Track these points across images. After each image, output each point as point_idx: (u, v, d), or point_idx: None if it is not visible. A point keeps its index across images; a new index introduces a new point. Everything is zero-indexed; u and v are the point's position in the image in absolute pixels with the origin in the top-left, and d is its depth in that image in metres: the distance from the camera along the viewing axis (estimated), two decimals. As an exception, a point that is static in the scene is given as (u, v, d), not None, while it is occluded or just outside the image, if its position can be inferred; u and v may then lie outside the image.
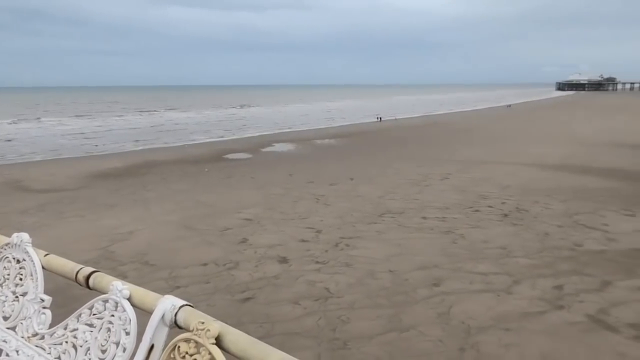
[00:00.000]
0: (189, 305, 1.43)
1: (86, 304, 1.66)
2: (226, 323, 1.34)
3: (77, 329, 1.67)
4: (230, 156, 20.71)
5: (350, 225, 9.67)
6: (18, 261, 2.01)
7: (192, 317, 1.38)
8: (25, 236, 2.03)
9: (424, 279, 6.95)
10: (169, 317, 1.41)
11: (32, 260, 1.96)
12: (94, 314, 1.65)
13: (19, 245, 2.02)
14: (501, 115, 47.22)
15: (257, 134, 31.14)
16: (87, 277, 1.74)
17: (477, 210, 10.63)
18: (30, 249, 1.99)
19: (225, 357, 1.27)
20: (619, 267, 7.33)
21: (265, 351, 1.23)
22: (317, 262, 7.66)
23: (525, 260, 7.63)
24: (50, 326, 1.79)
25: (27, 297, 1.91)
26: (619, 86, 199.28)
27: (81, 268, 1.80)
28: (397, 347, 5.18)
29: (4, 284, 2.02)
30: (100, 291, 1.68)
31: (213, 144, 25.83)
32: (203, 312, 1.40)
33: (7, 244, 2.08)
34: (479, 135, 28.10)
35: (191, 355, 1.31)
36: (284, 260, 7.80)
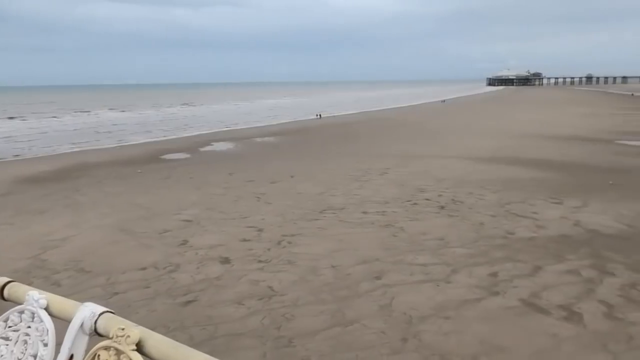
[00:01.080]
0: (110, 312, 1.38)
1: (1, 316, 1.57)
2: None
3: None
4: (168, 156, 20.23)
5: (291, 222, 9.68)
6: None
7: (112, 323, 1.33)
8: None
9: (365, 273, 7.05)
10: (88, 325, 1.36)
11: None
12: (9, 327, 1.55)
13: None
14: (436, 110, 48.54)
15: (196, 133, 30.57)
16: (2, 288, 1.63)
17: (415, 204, 10.89)
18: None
19: None
20: (548, 253, 7.71)
21: (188, 354, 1.20)
22: (260, 261, 7.62)
23: (462, 250, 7.89)
24: None
25: None
26: (545, 81, 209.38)
27: None
28: (341, 341, 5.24)
29: None
30: (16, 302, 1.59)
31: (150, 145, 25.15)
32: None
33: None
34: (416, 130, 28.77)
35: None
36: (226, 260, 7.71)
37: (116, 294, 6.57)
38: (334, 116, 43.19)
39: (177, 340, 1.25)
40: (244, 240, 8.67)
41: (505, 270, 7.03)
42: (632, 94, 77.60)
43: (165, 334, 1.29)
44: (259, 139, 26.18)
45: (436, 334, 5.35)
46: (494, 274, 6.91)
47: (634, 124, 30.10)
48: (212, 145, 24.20)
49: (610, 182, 12.71)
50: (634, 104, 52.94)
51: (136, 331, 1.27)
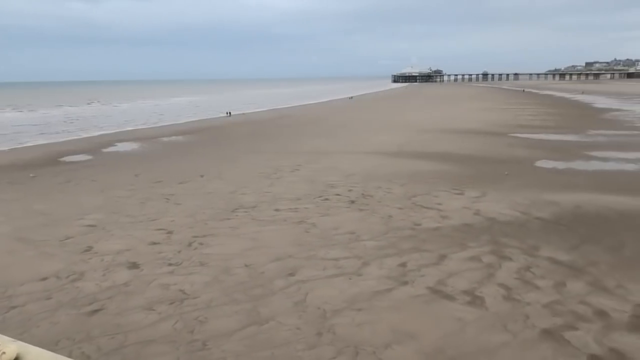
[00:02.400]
0: None
1: None
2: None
3: None
4: (67, 159, 19.09)
5: (202, 223, 9.48)
6: None
7: None
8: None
9: (279, 270, 7.06)
10: None
11: None
12: None
13: None
14: (344, 107, 49.48)
15: (99, 134, 29.05)
16: None
17: (326, 199, 11.04)
18: None
19: None
20: (453, 241, 8.11)
21: None
22: (170, 264, 7.41)
23: (372, 243, 8.11)
24: None
25: None
26: (445, 78, 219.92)
27: None
28: (257, 340, 5.22)
29: None
30: None
31: (49, 146, 23.57)
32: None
33: None
34: (325, 126, 29.17)
35: None
36: (134, 265, 7.41)
37: (13, 307, 6.11)
38: (244, 114, 42.80)
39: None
40: (153, 243, 8.37)
41: (413, 260, 7.31)
42: (524, 90, 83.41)
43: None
44: (166, 139, 25.39)
45: (350, 326, 5.46)
46: (403, 264, 7.17)
47: (525, 117, 32.39)
48: (116, 145, 23.15)
49: (506, 173, 13.60)
50: (525, 99, 56.91)
51: (13, 347, 1.19)
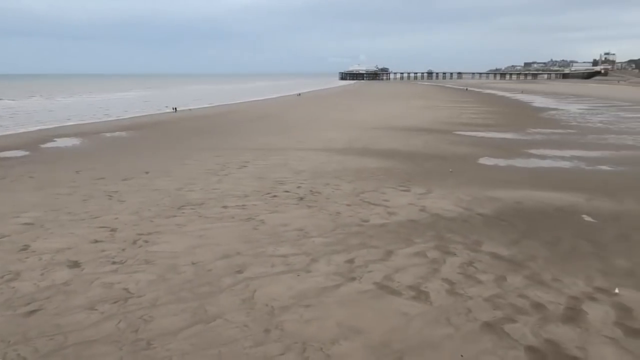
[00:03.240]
0: None
1: None
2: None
3: None
4: (2, 154, 18.20)
5: (148, 220, 9.27)
6: None
7: None
8: None
9: (227, 268, 7.00)
10: None
11: None
12: None
13: None
14: (293, 104, 49.45)
15: (35, 129, 27.81)
16: None
17: (275, 196, 11.02)
18: None
19: None
20: (399, 237, 8.27)
21: None
22: (114, 263, 7.21)
23: (320, 239, 8.16)
24: None
25: None
26: (392, 76, 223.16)
27: None
28: (203, 338, 5.16)
29: None
30: None
31: (-21, 141, 22.39)
32: None
33: None
34: (273, 123, 29.06)
35: None
36: (75, 264, 7.16)
37: (-58, 311, 5.79)
38: (191, 110, 42.02)
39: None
40: (95, 241, 8.12)
41: (360, 256, 7.41)
42: (467, 89, 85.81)
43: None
44: (109, 134, 24.62)
45: (297, 322, 5.49)
46: (351, 261, 7.25)
47: (468, 115, 33.35)
48: (55, 141, 22.24)
49: (450, 170, 13.97)
50: (468, 98, 58.56)
51: None
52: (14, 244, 8.04)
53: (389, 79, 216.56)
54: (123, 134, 24.74)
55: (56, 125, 29.32)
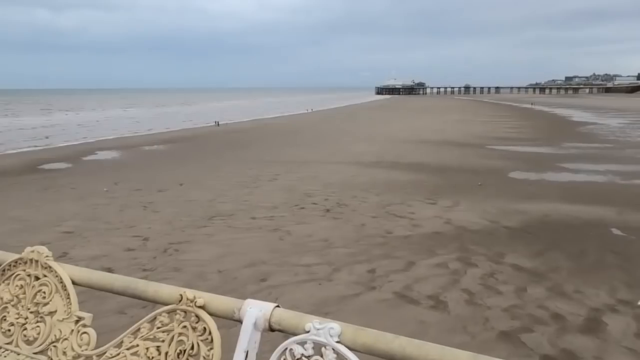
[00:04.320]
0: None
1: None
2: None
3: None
4: (46, 166, 19.06)
5: (179, 230, 9.63)
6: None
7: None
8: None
9: (252, 276, 7.24)
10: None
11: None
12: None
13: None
14: (326, 117, 49.84)
15: (79, 142, 28.95)
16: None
17: (302, 208, 11.26)
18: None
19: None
20: (422, 248, 8.37)
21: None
22: (145, 270, 7.55)
23: (344, 250, 8.34)
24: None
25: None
26: (428, 90, 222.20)
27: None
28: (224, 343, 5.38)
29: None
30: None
31: (27, 154, 23.48)
32: None
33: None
34: (306, 136, 29.44)
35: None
36: (108, 271, 7.49)
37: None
38: (228, 124, 42.89)
39: None
40: (129, 249, 8.50)
41: (382, 267, 7.54)
42: (532, 104, 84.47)
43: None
44: (147, 147, 25.43)
45: (316, 328, 5.65)
46: (372, 271, 7.40)
47: (502, 130, 33.01)
48: (96, 154, 23.14)
49: (479, 184, 13.95)
50: (505, 112, 57.88)
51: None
52: (54, 251, 8.31)
53: (426, 93, 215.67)
54: (161, 147, 25.51)
55: (98, 139, 30.43)
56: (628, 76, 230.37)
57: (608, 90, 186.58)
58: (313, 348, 1.30)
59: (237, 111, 66.99)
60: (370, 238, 8.97)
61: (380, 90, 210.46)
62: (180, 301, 1.51)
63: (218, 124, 40.86)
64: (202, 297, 1.50)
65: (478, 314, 6.02)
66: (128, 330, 1.57)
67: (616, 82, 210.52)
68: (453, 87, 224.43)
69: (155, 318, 1.54)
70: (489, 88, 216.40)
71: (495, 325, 5.72)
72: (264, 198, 12.32)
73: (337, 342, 1.28)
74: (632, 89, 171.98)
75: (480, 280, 7.04)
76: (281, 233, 9.35)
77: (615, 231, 9.35)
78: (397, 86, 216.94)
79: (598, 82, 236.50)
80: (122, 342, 1.57)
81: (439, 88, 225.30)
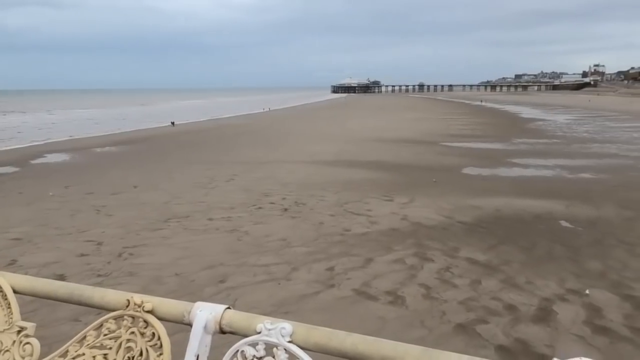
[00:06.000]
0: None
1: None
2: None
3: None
4: (-9, 171, 18.27)
5: (134, 233, 9.42)
6: None
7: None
8: None
9: (210, 278, 7.17)
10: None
11: None
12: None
13: None
14: (283, 117, 49.75)
15: (26, 145, 27.88)
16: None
17: (260, 208, 11.21)
18: None
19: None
20: (379, 245, 8.47)
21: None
22: (99, 275, 7.35)
23: (302, 249, 8.35)
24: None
25: None
26: (383, 89, 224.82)
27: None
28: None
29: None
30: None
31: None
32: None
33: None
34: (263, 136, 29.29)
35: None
36: (60, 277, 7.27)
37: None
38: (185, 124, 42.16)
39: None
40: (82, 255, 8.26)
41: (341, 264, 7.59)
42: (482, 101, 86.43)
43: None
44: (100, 149, 24.75)
45: (276, 328, 5.64)
46: (331, 269, 7.44)
47: (455, 127, 33.75)
48: (46, 157, 22.34)
49: (434, 180, 14.21)
50: (458, 110, 59.17)
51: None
52: (2, 258, 8.16)
53: (381, 91, 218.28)
54: (114, 148, 24.87)
55: (47, 141, 29.40)
56: (574, 74, 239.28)
57: (555, 87, 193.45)
58: (265, 349, 1.30)
59: (195, 111, 66.00)
60: (329, 236, 9.02)
61: (336, 89, 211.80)
62: (127, 306, 1.48)
63: (174, 124, 40.17)
64: (151, 301, 1.47)
65: (435, 307, 6.14)
66: (73, 339, 1.52)
67: (563, 80, 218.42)
68: (408, 86, 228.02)
69: (101, 325, 1.50)
70: (443, 86, 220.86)
71: (452, 318, 5.85)
72: (221, 199, 12.20)
73: (289, 341, 1.28)
74: (577, 86, 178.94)
75: (437, 274, 7.18)
76: (239, 234, 9.29)
77: (563, 223, 9.71)
78: (352, 85, 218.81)
79: (546, 79, 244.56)
80: (67, 351, 1.52)
81: (394, 86, 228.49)
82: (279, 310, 6.06)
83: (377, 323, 5.77)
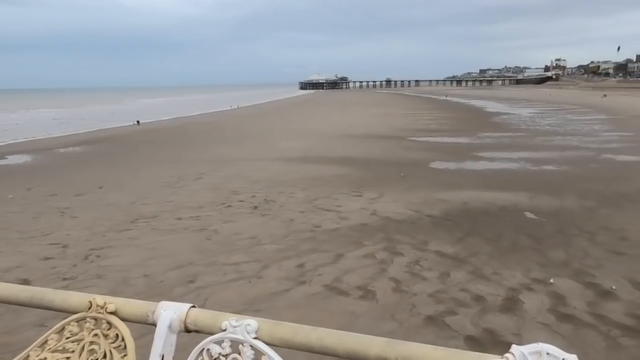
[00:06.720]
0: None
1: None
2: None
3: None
4: (-52, 175, 17.65)
5: (100, 235, 9.25)
6: None
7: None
8: None
9: (179, 278, 7.09)
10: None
11: None
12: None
13: None
14: (250, 115, 49.44)
15: (-16, 147, 26.98)
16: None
17: (229, 206, 11.13)
18: None
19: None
20: (349, 240, 8.51)
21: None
22: (65, 279, 7.19)
23: (273, 246, 8.33)
24: None
25: None
26: (351, 85, 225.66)
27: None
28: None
29: None
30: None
31: None
32: None
33: None
34: (230, 134, 29.06)
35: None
36: (24, 282, 7.10)
37: None
38: (150, 122, 41.49)
39: None
40: (46, 258, 8.07)
41: (311, 261, 7.61)
42: (446, 96, 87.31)
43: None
44: (63, 150, 24.16)
45: (247, 326, 5.62)
46: (302, 265, 7.44)
47: (423, 122, 34.13)
48: (6, 158, 21.69)
49: (402, 175, 14.35)
50: (425, 105, 59.83)
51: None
52: (-40, 264, 7.91)
53: (349, 87, 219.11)
54: (78, 149, 24.32)
55: (9, 142, 28.54)
56: (536, 68, 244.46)
57: (519, 81, 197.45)
58: (230, 346, 1.29)
59: (162, 109, 64.95)
60: (299, 233, 9.02)
61: (305, 86, 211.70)
62: (89, 308, 1.45)
63: (139, 123, 39.48)
64: (114, 302, 1.45)
65: (405, 300, 6.22)
66: (34, 343, 1.48)
67: (526, 74, 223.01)
68: (375, 81, 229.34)
69: (63, 328, 1.46)
70: (409, 81, 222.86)
71: (422, 311, 5.92)
72: (189, 198, 12.06)
73: (255, 338, 1.28)
74: (540, 80, 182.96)
75: (406, 268, 7.26)
76: (208, 232, 9.21)
77: (528, 215, 9.93)
78: (320, 81, 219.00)
79: (510, 74, 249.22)
80: (28, 356, 1.47)
81: (362, 82, 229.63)
82: (250, 309, 6.04)
83: (349, 318, 5.81)
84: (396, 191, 12.20)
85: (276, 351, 1.27)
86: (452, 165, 16.24)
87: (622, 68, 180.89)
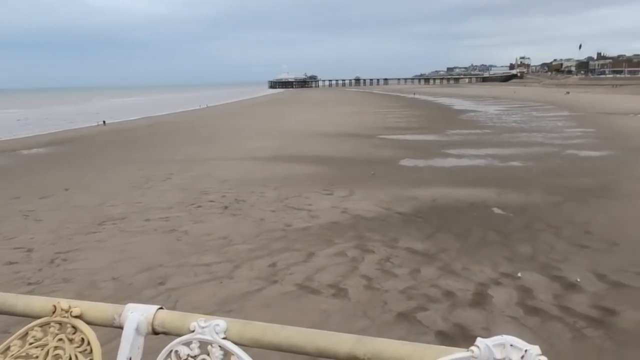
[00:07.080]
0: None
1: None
2: None
3: None
4: None
5: (66, 238, 9.04)
6: None
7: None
8: None
9: (149, 280, 6.99)
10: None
11: None
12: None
13: None
14: (219, 114, 49.07)
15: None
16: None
17: (199, 206, 11.02)
18: None
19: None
20: (321, 239, 8.53)
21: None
22: (30, 284, 7.02)
23: (244, 246, 8.28)
24: None
25: None
26: (320, 83, 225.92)
27: None
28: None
29: None
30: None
31: None
32: None
33: None
34: (199, 134, 28.75)
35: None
36: (-13, 288, 6.91)
37: None
38: (118, 122, 40.74)
39: None
40: (10, 263, 7.85)
41: (283, 260, 7.59)
42: (414, 94, 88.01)
43: None
44: (26, 151, 23.53)
45: (219, 327, 5.58)
46: (273, 265, 7.42)
47: (392, 120, 34.42)
48: (-35, 161, 21.02)
49: (372, 172, 14.45)
50: (393, 103, 60.32)
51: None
52: None
53: (318, 86, 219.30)
54: (42, 150, 23.73)
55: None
56: (502, 66, 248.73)
57: (485, 79, 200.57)
58: (199, 347, 1.27)
59: (129, 109, 63.78)
60: (270, 232, 8.99)
61: (274, 84, 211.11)
62: (54, 312, 1.41)
63: (105, 123, 38.72)
64: (79, 306, 1.41)
65: (377, 298, 6.26)
66: None
67: (492, 72, 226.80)
68: (344, 80, 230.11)
69: (26, 333, 1.42)
70: (378, 80, 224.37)
71: (393, 308, 5.97)
72: (157, 199, 11.89)
73: (224, 338, 1.26)
74: (505, 78, 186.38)
75: (377, 265, 7.31)
76: (178, 233, 9.10)
77: (496, 210, 10.12)
78: (290, 80, 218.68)
79: (476, 72, 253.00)
80: None
81: (331, 81, 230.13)
82: (221, 309, 5.99)
83: (321, 316, 5.82)
84: (366, 189, 12.27)
85: (246, 351, 1.26)
86: (421, 163, 16.42)
87: (584, 66, 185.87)
